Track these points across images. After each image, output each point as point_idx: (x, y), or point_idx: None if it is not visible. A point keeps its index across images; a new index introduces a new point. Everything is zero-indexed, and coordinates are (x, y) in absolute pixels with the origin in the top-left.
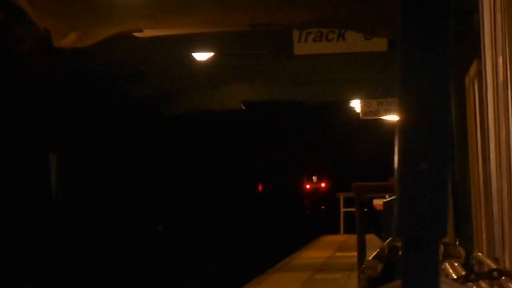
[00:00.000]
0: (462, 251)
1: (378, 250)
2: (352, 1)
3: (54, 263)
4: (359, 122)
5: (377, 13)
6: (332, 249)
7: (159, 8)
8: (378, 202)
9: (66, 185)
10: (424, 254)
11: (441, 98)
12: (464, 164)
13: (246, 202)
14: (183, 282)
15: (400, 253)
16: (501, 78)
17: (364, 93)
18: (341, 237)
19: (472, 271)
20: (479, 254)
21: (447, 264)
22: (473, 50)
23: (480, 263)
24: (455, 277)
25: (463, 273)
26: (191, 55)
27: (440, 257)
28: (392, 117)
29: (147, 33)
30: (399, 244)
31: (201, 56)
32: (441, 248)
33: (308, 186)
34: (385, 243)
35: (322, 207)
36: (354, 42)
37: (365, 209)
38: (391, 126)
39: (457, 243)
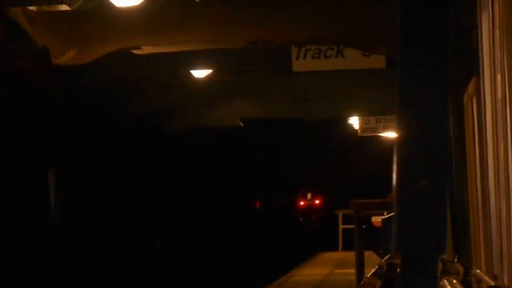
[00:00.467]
0: (460, 268)
1: (377, 267)
2: (350, 19)
3: (52, 278)
4: (358, 138)
5: (376, 31)
6: (330, 266)
7: (157, 26)
8: (376, 219)
9: (65, 203)
10: (422, 271)
11: (439, 116)
12: (463, 181)
13: (243, 219)
14: None
15: (398, 270)
16: (499, 95)
17: (362, 110)
18: (339, 254)
19: None
20: (478, 271)
21: (445, 281)
22: (472, 67)
23: (479, 280)
24: None
25: None
26: (189, 72)
27: (439, 274)
28: (391, 134)
29: (146, 50)
30: (398, 261)
31: (200, 73)
32: (440, 265)
33: (302, 203)
34: (383, 260)
35: (317, 225)
36: (353, 59)
37: (364, 226)
38: (389, 143)
39: (456, 260)
